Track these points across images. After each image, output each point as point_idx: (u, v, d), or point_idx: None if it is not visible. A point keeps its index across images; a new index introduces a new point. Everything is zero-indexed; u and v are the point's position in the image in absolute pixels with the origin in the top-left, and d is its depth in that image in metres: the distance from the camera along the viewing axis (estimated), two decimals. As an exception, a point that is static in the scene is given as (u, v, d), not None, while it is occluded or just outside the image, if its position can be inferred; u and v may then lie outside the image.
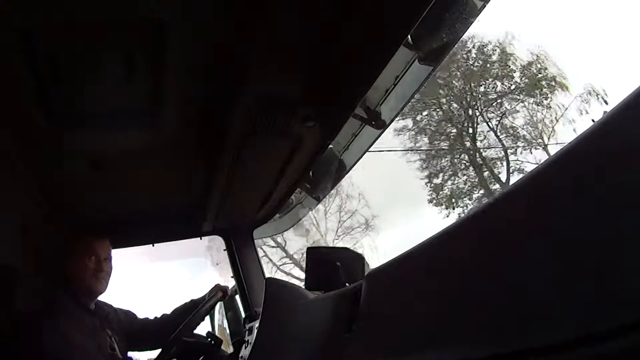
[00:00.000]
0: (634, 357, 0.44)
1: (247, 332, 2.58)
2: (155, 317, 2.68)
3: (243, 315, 2.79)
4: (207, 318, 2.62)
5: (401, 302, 0.92)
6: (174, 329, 2.33)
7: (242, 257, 2.99)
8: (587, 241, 0.50)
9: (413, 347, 0.81)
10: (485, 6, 1.55)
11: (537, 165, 0.66)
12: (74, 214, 2.56)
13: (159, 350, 2.39)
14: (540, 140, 19.94)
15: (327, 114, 1.89)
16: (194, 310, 2.45)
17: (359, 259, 1.83)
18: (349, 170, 2.57)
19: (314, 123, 1.93)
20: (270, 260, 15.98)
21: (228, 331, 2.76)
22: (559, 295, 0.52)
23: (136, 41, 1.48)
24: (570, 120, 19.16)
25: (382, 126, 2.09)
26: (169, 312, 2.71)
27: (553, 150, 19.90)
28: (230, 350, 2.66)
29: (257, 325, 2.08)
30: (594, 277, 0.49)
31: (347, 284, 1.61)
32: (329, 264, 1.75)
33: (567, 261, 0.52)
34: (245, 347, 2.43)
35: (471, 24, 1.60)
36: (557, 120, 19.70)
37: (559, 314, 0.51)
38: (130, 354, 2.49)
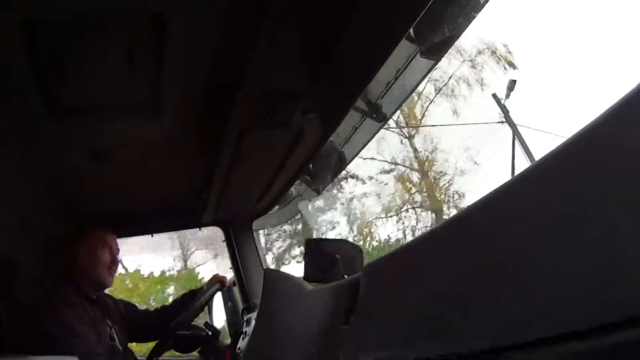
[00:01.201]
0: (628, 353, 0.45)
1: (245, 323, 2.59)
2: (156, 309, 2.70)
3: (241, 306, 2.81)
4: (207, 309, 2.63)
5: (400, 295, 0.93)
6: (174, 320, 2.35)
7: (241, 248, 3.00)
8: (587, 237, 0.50)
9: (411, 340, 0.82)
10: (488, 1, 1.54)
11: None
12: (75, 206, 2.57)
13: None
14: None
15: (328, 106, 1.89)
16: (193, 301, 2.47)
17: (358, 251, 1.84)
18: (349, 163, 2.58)
19: (315, 115, 1.93)
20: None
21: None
22: (558, 290, 0.52)
23: (136, 35, 1.48)
24: (449, 95, 13.40)
25: (382, 119, 2.10)
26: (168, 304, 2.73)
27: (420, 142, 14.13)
28: (228, 341, 2.68)
29: (255, 316, 2.09)
30: (591, 272, 0.49)
31: (345, 276, 1.62)
32: (328, 256, 1.76)
33: (566, 256, 0.52)
34: (243, 338, 2.44)
35: (474, 18, 1.60)
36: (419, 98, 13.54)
37: (558, 308, 0.52)
38: (129, 345, 2.51)
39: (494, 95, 12.05)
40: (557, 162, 0.59)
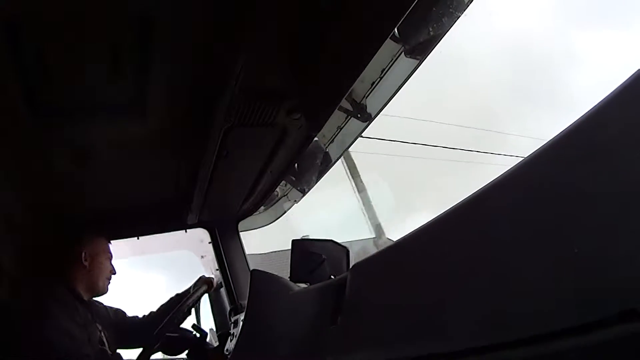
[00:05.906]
0: (618, 348, 0.45)
1: (232, 324, 2.57)
2: (144, 315, 2.67)
3: (228, 308, 2.79)
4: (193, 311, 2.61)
5: (386, 294, 0.93)
6: (161, 324, 2.33)
7: (227, 249, 2.98)
8: (573, 233, 0.51)
9: (398, 339, 0.82)
10: (472, 0, 1.55)
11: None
12: (57, 207, 2.53)
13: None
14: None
15: (313, 106, 1.88)
16: (180, 303, 2.45)
17: (344, 251, 1.83)
18: (334, 163, 2.57)
19: (300, 115, 1.93)
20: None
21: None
22: (544, 288, 0.53)
23: (120, 36, 1.47)
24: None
25: (367, 119, 2.10)
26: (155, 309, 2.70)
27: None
28: (216, 343, 2.66)
29: (242, 317, 2.08)
30: (579, 269, 0.49)
31: (332, 276, 1.61)
32: (315, 256, 1.75)
33: (554, 254, 0.52)
34: (231, 340, 2.42)
35: (458, 17, 1.60)
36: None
37: (544, 306, 0.52)
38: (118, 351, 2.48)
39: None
40: (540, 162, 0.59)
